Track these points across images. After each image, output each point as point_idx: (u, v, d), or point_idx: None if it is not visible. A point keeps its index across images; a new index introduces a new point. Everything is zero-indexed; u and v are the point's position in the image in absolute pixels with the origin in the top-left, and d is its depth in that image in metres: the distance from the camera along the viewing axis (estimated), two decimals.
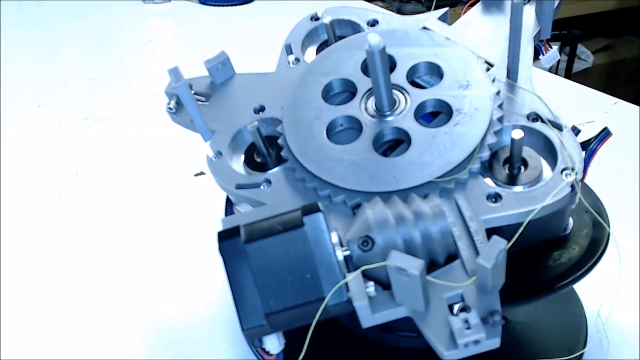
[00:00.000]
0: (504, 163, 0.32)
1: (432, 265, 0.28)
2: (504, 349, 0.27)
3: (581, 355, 0.38)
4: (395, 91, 0.34)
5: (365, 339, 0.39)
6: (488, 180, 0.32)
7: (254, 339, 0.27)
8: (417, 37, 0.37)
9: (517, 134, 0.31)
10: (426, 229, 0.28)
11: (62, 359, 0.41)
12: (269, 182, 0.34)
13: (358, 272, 0.26)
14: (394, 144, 0.34)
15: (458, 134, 0.32)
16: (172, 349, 0.42)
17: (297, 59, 0.40)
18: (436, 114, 0.34)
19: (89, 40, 0.99)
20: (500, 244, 0.25)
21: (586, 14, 2.09)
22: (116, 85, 0.83)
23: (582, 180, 0.32)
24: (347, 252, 0.27)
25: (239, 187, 0.35)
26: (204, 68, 0.40)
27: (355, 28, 0.41)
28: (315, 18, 0.43)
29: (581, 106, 0.73)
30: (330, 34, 0.41)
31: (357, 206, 0.31)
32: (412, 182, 0.31)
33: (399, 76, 0.35)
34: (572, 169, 0.30)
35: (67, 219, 0.56)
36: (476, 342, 0.25)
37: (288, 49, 0.41)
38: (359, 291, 0.26)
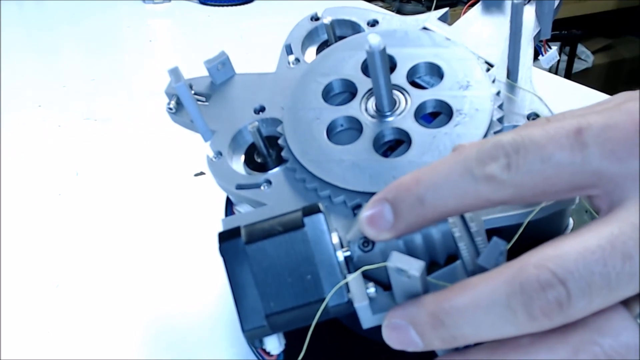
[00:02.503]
0: None
1: (432, 266, 0.28)
2: None
3: None
4: (395, 91, 0.34)
5: (365, 338, 0.38)
6: None
7: (254, 339, 0.27)
8: (417, 37, 0.37)
9: None
10: (426, 229, 0.28)
11: (62, 359, 0.41)
12: (269, 182, 0.34)
13: (358, 272, 0.26)
14: (394, 145, 0.34)
15: (458, 134, 0.32)
16: (172, 349, 0.42)
17: (297, 59, 0.40)
18: (436, 115, 0.34)
19: (89, 40, 0.99)
20: (500, 245, 0.25)
21: (586, 14, 2.09)
22: (116, 85, 0.83)
23: None
24: (348, 253, 0.27)
25: (239, 187, 0.35)
26: (204, 68, 0.40)
27: (355, 28, 0.41)
28: (315, 18, 0.43)
29: (581, 106, 0.72)
30: (330, 34, 0.41)
31: (358, 207, 0.31)
32: None
33: (399, 76, 0.35)
34: None
35: (67, 219, 0.56)
36: None
37: (288, 49, 0.41)
38: (360, 292, 0.26)
